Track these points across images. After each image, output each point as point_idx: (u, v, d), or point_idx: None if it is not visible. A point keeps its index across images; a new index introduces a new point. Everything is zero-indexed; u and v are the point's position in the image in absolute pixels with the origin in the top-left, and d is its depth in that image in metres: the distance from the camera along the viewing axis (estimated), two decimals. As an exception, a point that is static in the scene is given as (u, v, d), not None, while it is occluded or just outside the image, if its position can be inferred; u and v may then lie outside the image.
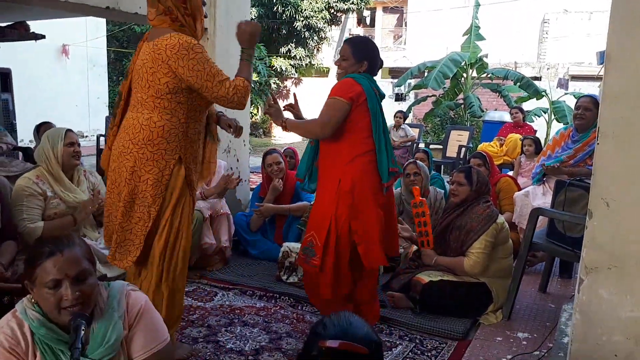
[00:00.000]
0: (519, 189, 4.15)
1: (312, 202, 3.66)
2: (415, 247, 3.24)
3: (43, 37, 4.70)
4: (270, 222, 3.95)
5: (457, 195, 3.04)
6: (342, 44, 2.60)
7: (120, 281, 1.69)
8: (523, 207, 3.81)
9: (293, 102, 2.71)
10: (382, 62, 2.64)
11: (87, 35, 10.90)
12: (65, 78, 10.65)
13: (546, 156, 3.86)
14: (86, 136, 11.36)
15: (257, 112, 16.13)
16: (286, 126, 2.53)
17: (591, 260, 1.49)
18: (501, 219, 3.00)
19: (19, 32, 4.49)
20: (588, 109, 3.56)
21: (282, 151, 4.32)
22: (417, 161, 3.90)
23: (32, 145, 3.81)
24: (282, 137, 16.55)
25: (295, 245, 3.47)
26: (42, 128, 3.83)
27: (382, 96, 2.59)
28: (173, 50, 2.03)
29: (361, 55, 2.51)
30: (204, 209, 3.49)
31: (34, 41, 4.79)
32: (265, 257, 3.80)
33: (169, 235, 2.17)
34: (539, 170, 3.86)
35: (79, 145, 2.93)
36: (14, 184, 2.99)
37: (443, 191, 3.97)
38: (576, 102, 3.74)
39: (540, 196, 3.77)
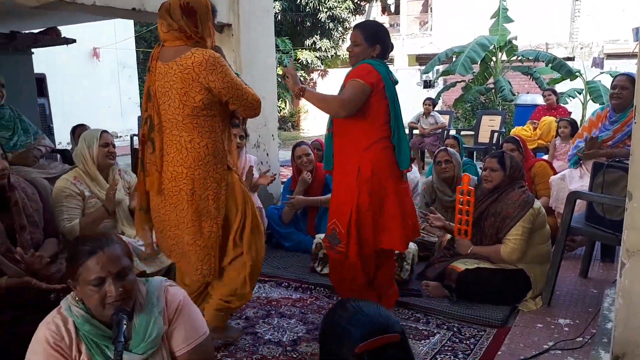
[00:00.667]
0: (555, 173, 4.04)
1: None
2: (449, 236, 3.20)
3: (74, 41, 4.81)
4: (302, 214, 3.96)
5: (490, 181, 2.98)
6: (352, 31, 2.56)
7: (158, 277, 1.73)
8: (560, 191, 3.72)
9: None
10: (392, 45, 2.61)
11: (117, 38, 11.13)
12: (97, 80, 10.91)
13: (582, 138, 3.75)
14: (120, 136, 11.63)
15: (285, 106, 16.17)
16: (303, 94, 2.44)
17: (633, 243, 1.44)
18: (537, 204, 2.93)
19: (51, 38, 4.62)
20: (625, 87, 3.43)
21: (310, 143, 4.32)
22: (448, 148, 3.85)
23: (69, 147, 3.92)
24: (310, 130, 16.57)
25: (328, 237, 3.48)
26: (77, 130, 3.94)
27: (396, 82, 2.57)
28: (201, 67, 2.08)
29: (373, 39, 2.48)
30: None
31: (65, 46, 4.91)
32: (298, 248, 3.83)
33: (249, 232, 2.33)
34: (575, 152, 3.75)
35: (113, 145, 3.00)
36: (54, 185, 3.10)
37: (476, 177, 3.91)
38: (612, 81, 3.61)
39: (577, 179, 3.66)
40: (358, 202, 2.46)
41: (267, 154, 4.40)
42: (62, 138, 9.75)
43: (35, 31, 4.79)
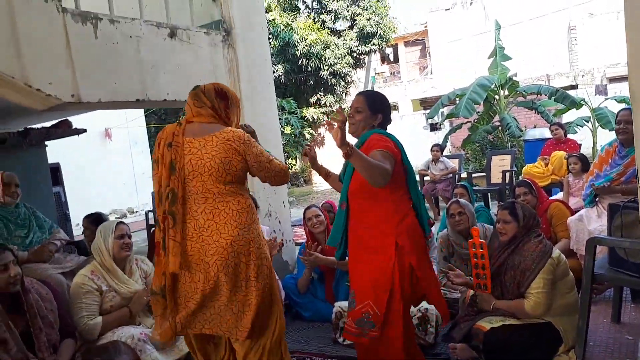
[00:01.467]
0: (572, 213, 3.97)
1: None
2: (472, 292, 3.11)
3: (84, 131, 4.97)
4: (319, 280, 3.91)
5: (505, 233, 2.92)
6: (355, 97, 2.52)
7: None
8: (579, 233, 3.63)
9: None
10: (391, 119, 2.57)
11: (127, 116, 11.50)
12: (111, 159, 11.19)
13: (594, 176, 3.70)
14: (136, 211, 11.79)
15: (296, 162, 16.36)
16: (351, 153, 2.07)
17: None
18: (556, 252, 2.86)
19: (63, 130, 4.78)
20: (629, 121, 3.41)
21: (320, 206, 4.33)
22: (460, 200, 3.81)
23: (83, 236, 3.96)
24: (322, 184, 16.66)
25: (347, 304, 3.41)
26: (89, 219, 3.98)
27: None
28: (240, 140, 2.27)
29: (376, 108, 2.45)
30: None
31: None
32: (318, 318, 3.75)
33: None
34: (590, 191, 3.69)
35: (129, 237, 3.03)
36: (70, 278, 3.12)
37: (492, 226, 3.84)
38: (616, 116, 3.60)
39: (595, 219, 3.58)
40: (401, 278, 2.30)
41: (280, 222, 4.41)
42: (79, 225, 9.92)
43: (48, 124, 4.96)
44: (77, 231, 9.18)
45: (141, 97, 3.29)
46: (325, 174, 2.70)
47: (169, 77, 3.43)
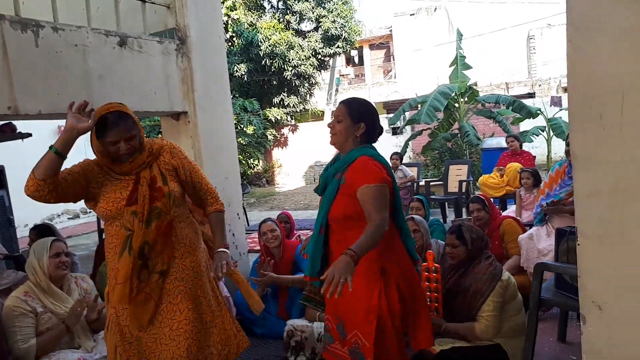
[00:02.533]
0: (523, 230, 4.04)
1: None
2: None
3: (29, 135, 4.74)
4: (273, 296, 3.85)
5: (454, 257, 2.94)
6: (337, 106, 2.28)
7: None
8: (529, 251, 3.70)
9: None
10: (382, 128, 2.32)
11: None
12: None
13: (545, 195, 3.78)
14: (89, 212, 11.41)
15: (258, 162, 16.22)
16: (358, 258, 1.93)
17: None
18: (506, 274, 2.89)
19: (5, 135, 4.54)
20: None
21: (276, 218, 4.26)
22: (414, 216, 3.82)
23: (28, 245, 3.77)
24: (286, 184, 16.60)
25: (300, 323, 3.36)
26: (36, 231, 3.79)
27: None
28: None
29: (358, 117, 2.20)
30: (202, 295, 3.40)
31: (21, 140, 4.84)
32: (271, 334, 3.69)
33: None
34: (540, 210, 3.76)
35: (66, 254, 2.89)
36: (6, 296, 2.95)
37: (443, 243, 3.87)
38: (566, 137, 3.67)
39: (545, 238, 3.66)
40: (390, 306, 2.15)
41: (234, 234, 4.32)
42: (25, 230, 9.53)
43: (-10, 128, 4.70)
44: (24, 232, 8.82)
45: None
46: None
47: (118, 87, 3.29)
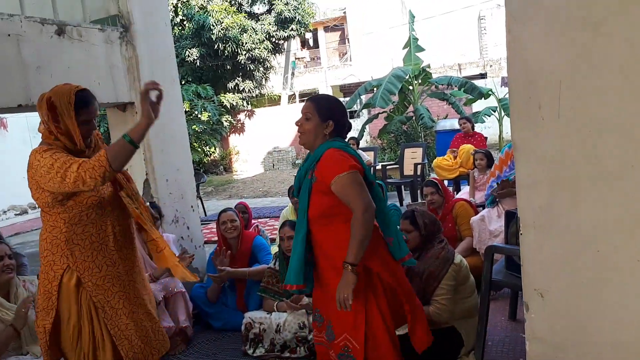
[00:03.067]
0: (475, 212, 4.13)
1: (270, 265, 3.57)
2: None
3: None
4: (230, 288, 3.80)
5: (409, 242, 2.97)
6: (304, 104, 2.21)
7: None
8: (481, 233, 3.79)
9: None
10: (350, 125, 2.27)
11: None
12: (8, 151, 10.30)
13: (495, 177, 3.86)
14: (37, 208, 10.97)
15: (215, 150, 15.95)
16: (355, 266, 1.96)
17: (536, 353, 1.43)
18: (458, 257, 2.95)
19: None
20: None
21: (234, 207, 4.21)
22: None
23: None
24: (244, 172, 16.42)
25: (257, 315, 3.34)
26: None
27: None
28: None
29: (327, 114, 2.15)
30: (156, 291, 3.31)
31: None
32: (230, 327, 3.64)
33: None
34: (491, 192, 3.85)
35: (10, 257, 2.76)
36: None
37: (400, 227, 3.92)
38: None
39: (496, 219, 3.75)
40: (378, 306, 2.12)
41: (188, 227, 4.23)
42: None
43: None
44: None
45: (24, 102, 2.97)
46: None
47: (58, 79, 3.12)
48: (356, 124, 14.32)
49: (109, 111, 3.96)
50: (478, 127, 8.29)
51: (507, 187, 3.65)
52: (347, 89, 19.82)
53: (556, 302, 1.39)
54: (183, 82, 13.78)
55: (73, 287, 2.13)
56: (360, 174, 2.07)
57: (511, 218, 2.92)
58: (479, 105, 11.30)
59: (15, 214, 11.02)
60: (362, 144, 10.10)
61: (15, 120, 10.56)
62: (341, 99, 16.63)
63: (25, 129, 10.85)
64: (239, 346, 3.35)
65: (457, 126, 8.39)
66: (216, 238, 6.08)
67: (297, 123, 2.21)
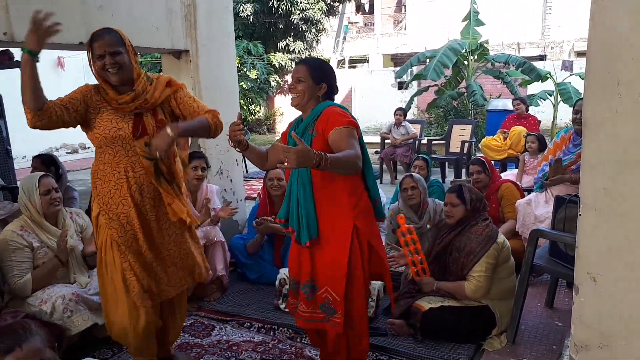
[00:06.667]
0: (522, 195, 4.02)
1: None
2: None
3: (27, 65, 4.61)
4: (268, 243, 3.86)
5: (452, 216, 2.93)
6: (296, 66, 2.24)
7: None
8: (526, 217, 3.69)
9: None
10: (337, 88, 2.32)
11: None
12: (63, 91, 10.53)
13: (548, 161, 3.72)
14: (88, 147, 11.36)
15: (260, 109, 16.01)
16: (327, 163, 1.85)
17: (580, 338, 1.37)
18: (501, 237, 2.89)
19: (3, 63, 4.42)
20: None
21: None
22: (413, 174, 3.79)
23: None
24: (286, 133, 16.44)
25: (292, 272, 3.39)
26: (40, 160, 3.76)
27: None
28: None
29: (320, 77, 2.21)
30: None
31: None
32: (264, 280, 3.73)
33: None
34: (541, 175, 3.72)
35: (56, 190, 2.83)
36: (2, 227, 2.95)
37: (442, 203, 3.85)
38: (574, 105, 3.59)
39: (543, 204, 3.64)
40: (362, 262, 2.20)
41: (231, 180, 4.29)
42: (26, 157, 9.50)
43: (-14, 55, 4.57)
44: (22, 164, 8.79)
45: (85, 40, 3.02)
46: (245, 145, 2.25)
47: (118, 20, 3.16)
48: (404, 95, 14.05)
49: (163, 57, 3.99)
50: (532, 110, 7.97)
51: (560, 170, 3.51)
52: (398, 59, 19.38)
53: (608, 288, 1.34)
54: (235, 37, 13.77)
55: (95, 219, 2.31)
56: (357, 131, 2.14)
57: (561, 203, 2.83)
58: (534, 88, 10.85)
59: (67, 152, 11.45)
60: (409, 116, 9.89)
61: (72, 60, 10.83)
62: (391, 69, 16.32)
63: (81, 69, 11.11)
64: (271, 299, 3.42)
65: (509, 107, 8.11)
66: (255, 195, 6.18)
67: (290, 86, 2.23)
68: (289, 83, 2.25)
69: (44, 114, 2.03)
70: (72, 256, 2.88)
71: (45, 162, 3.76)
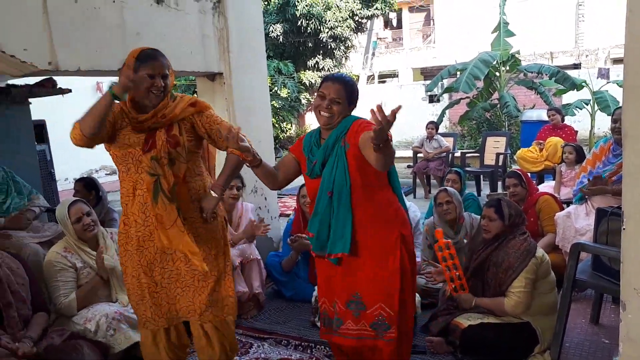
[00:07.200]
0: (560, 208, 3.92)
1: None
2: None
3: (69, 91, 4.80)
4: (303, 260, 3.88)
5: (489, 231, 2.88)
6: (329, 83, 2.16)
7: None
8: (566, 230, 3.59)
9: None
10: None
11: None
12: (102, 114, 10.95)
13: (587, 172, 3.63)
14: (126, 168, 11.64)
15: (291, 126, 16.17)
16: (389, 144, 1.83)
17: (629, 356, 1.33)
18: (540, 252, 2.82)
19: (46, 90, 4.62)
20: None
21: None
22: (448, 188, 3.74)
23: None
24: (317, 149, 16.53)
25: (328, 289, 3.38)
26: (81, 183, 3.90)
27: None
28: None
29: (353, 99, 2.20)
30: (233, 256, 3.44)
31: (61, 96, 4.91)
32: (300, 297, 3.74)
33: None
34: (580, 188, 3.63)
35: (88, 214, 2.91)
36: (47, 248, 3.06)
37: (479, 217, 3.79)
38: (612, 114, 3.50)
39: (583, 217, 3.54)
40: (411, 271, 2.20)
41: (265, 198, 4.34)
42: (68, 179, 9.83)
43: (31, 83, 4.79)
44: (64, 186, 9.09)
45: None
46: (259, 161, 2.17)
47: (154, 45, 3.20)
48: (435, 109, 13.97)
49: (198, 80, 4.10)
50: (568, 120, 7.79)
51: (600, 184, 3.42)
52: (428, 72, 19.31)
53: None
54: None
55: (118, 235, 2.34)
56: None
57: (603, 216, 2.74)
58: (569, 97, 10.61)
59: (106, 174, 11.79)
60: (441, 129, 9.80)
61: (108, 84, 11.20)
62: (421, 82, 16.26)
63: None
64: (308, 317, 3.42)
65: (544, 117, 7.96)
66: (289, 212, 6.21)
67: (323, 105, 2.14)
68: (319, 100, 2.16)
69: (96, 138, 2.07)
70: (113, 275, 2.96)
71: (87, 186, 3.90)
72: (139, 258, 2.27)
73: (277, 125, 14.86)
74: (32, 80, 4.81)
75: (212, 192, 2.26)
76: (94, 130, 2.00)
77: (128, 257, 2.29)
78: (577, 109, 9.59)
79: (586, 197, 3.60)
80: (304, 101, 15.48)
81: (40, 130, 5.63)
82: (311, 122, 17.07)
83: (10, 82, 5.00)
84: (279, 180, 2.31)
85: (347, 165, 2.13)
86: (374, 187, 2.15)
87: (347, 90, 2.17)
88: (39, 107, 5.59)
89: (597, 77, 10.01)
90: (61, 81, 4.90)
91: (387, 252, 2.14)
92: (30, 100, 4.98)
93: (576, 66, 15.35)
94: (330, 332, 2.29)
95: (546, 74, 9.29)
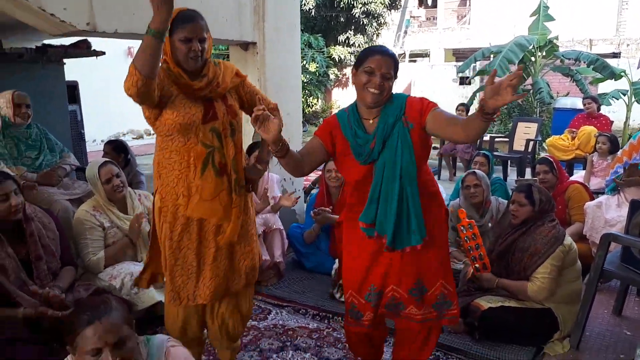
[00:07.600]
0: (590, 197, 3.84)
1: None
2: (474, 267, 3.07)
3: (103, 53, 4.86)
4: (325, 234, 3.90)
5: (518, 216, 2.84)
6: (378, 56, 1.96)
7: (160, 336, 1.70)
8: (595, 220, 3.52)
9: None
10: None
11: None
12: (132, 79, 11.04)
13: (622, 163, 3.54)
14: (152, 133, 11.79)
15: (317, 101, 16.10)
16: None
17: None
18: (568, 239, 2.77)
19: (81, 51, 4.67)
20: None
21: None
22: (476, 171, 3.70)
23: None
24: (342, 126, 16.42)
25: (349, 263, 3.40)
26: (111, 145, 3.98)
27: None
28: None
29: (397, 71, 2.04)
30: (257, 225, 3.48)
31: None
32: (320, 269, 3.78)
33: None
34: (613, 179, 3.54)
35: (117, 176, 2.95)
36: (77, 205, 3.14)
37: (506, 201, 3.74)
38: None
39: (615, 208, 3.46)
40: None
41: (291, 170, 4.34)
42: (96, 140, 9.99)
43: (67, 44, 4.85)
44: (92, 147, 9.27)
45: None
46: (286, 150, 1.92)
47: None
48: (465, 91, 13.70)
49: (231, 49, 4.09)
50: (603, 110, 7.56)
51: (635, 174, 3.33)
52: (460, 53, 18.89)
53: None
54: (296, 31, 13.90)
55: (157, 209, 2.13)
56: None
57: (637, 207, 2.68)
58: (606, 86, 10.28)
59: (133, 138, 11.96)
60: (471, 112, 9.62)
61: (140, 49, 11.26)
62: (453, 63, 15.93)
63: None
64: (327, 288, 3.46)
65: (578, 105, 7.75)
66: (306, 183, 6.21)
67: (378, 82, 1.94)
68: (366, 76, 1.96)
69: (151, 83, 1.84)
70: (140, 237, 3.03)
71: (117, 149, 3.97)
72: (191, 232, 2.13)
73: (303, 99, 14.81)
74: (67, 41, 4.88)
75: (257, 165, 2.26)
76: (150, 69, 1.78)
77: (173, 230, 2.11)
78: (614, 98, 9.29)
79: (619, 188, 3.51)
80: (332, 76, 15.36)
81: (72, 91, 5.72)
82: (337, 97, 16.94)
83: (47, 41, 5.08)
84: (305, 170, 2.10)
85: (413, 147, 1.99)
86: (422, 166, 2.06)
87: (396, 64, 2.01)
88: (72, 68, 5.68)
89: (638, 68, 9.67)
90: (94, 43, 4.95)
91: (441, 230, 2.13)
92: (64, 60, 5.06)
93: (615, 55, 14.82)
94: (357, 325, 2.19)
95: (584, 62, 9.00)
